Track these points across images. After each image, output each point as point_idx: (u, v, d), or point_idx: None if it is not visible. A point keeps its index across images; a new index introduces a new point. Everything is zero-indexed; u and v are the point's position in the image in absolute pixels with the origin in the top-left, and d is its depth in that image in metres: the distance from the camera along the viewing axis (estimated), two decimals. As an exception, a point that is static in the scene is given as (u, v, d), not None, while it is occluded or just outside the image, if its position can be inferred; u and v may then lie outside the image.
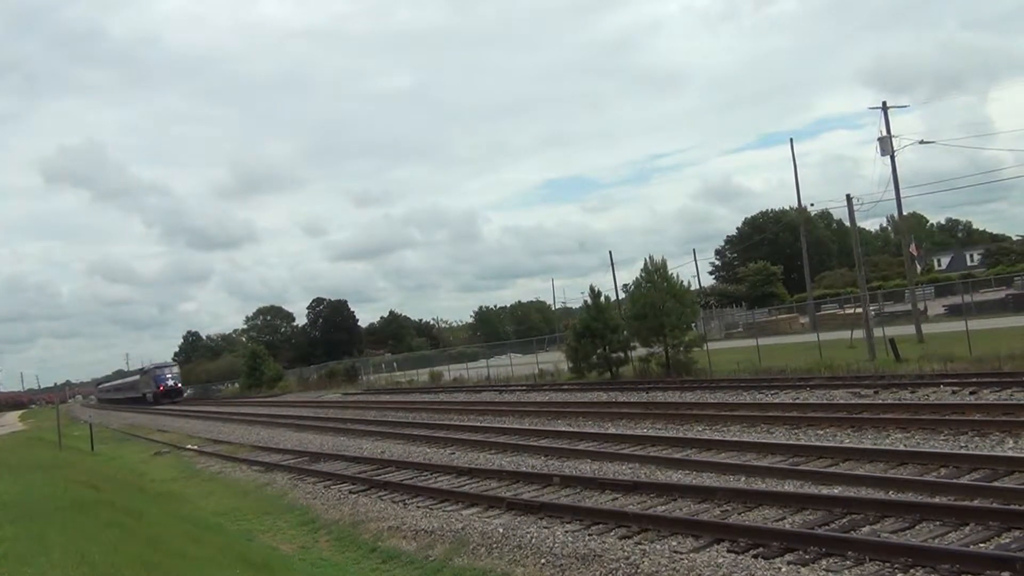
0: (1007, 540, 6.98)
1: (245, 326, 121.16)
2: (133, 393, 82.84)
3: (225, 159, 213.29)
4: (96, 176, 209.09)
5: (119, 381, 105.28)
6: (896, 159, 32.86)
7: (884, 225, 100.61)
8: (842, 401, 16.74)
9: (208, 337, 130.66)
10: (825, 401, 17.07)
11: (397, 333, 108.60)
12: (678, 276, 30.22)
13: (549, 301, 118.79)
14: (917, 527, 7.68)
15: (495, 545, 8.94)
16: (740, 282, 75.38)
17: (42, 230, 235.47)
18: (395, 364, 65.88)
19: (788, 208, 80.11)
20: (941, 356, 21.44)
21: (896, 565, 6.67)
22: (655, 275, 29.06)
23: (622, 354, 30.75)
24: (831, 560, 7.03)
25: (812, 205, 76.91)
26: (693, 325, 32.27)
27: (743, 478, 10.79)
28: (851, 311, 40.18)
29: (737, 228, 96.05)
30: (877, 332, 27.15)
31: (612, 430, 17.07)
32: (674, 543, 8.16)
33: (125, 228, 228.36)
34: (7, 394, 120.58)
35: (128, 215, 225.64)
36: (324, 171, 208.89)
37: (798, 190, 73.11)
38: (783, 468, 10.94)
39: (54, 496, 10.87)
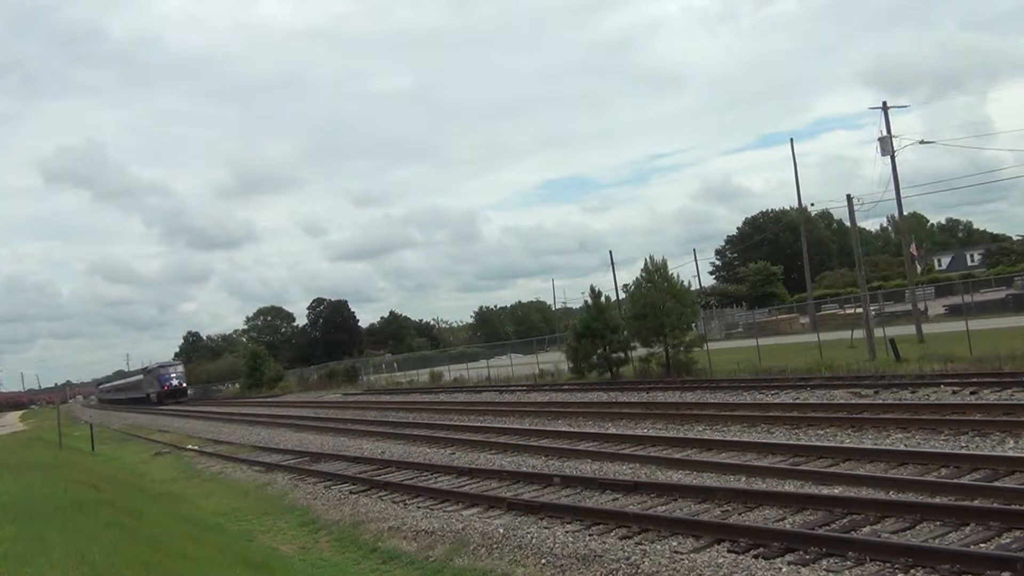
0: (1008, 540, 6.97)
1: (245, 326, 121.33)
2: (136, 393, 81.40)
3: (225, 159, 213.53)
4: (96, 176, 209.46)
5: (121, 381, 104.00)
6: (896, 159, 32.93)
7: (884, 225, 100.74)
8: (842, 401, 16.73)
9: (208, 337, 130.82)
10: (825, 401, 17.07)
11: (397, 333, 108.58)
12: (678, 276, 30.28)
13: (549, 301, 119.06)
14: (917, 527, 7.67)
15: (495, 545, 8.94)
16: (740, 282, 75.40)
17: (42, 230, 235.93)
18: (395, 364, 65.88)
19: (788, 208, 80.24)
20: (941, 356, 21.44)
21: (896, 565, 6.67)
22: (655, 275, 29.06)
23: (622, 354, 30.75)
24: (831, 560, 7.03)
25: (812, 205, 76.92)
26: (693, 325, 32.29)
27: (743, 478, 10.79)
28: (851, 311, 40.20)
29: (737, 228, 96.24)
30: (877, 332, 27.14)
31: (612, 430, 17.07)
32: (674, 543, 8.16)
33: (125, 228, 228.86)
34: (7, 394, 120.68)
35: (128, 215, 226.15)
36: (324, 171, 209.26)
37: (798, 190, 73.02)
38: (783, 468, 10.94)
39: (54, 496, 10.87)
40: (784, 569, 6.96)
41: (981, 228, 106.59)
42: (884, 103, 33.79)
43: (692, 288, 48.93)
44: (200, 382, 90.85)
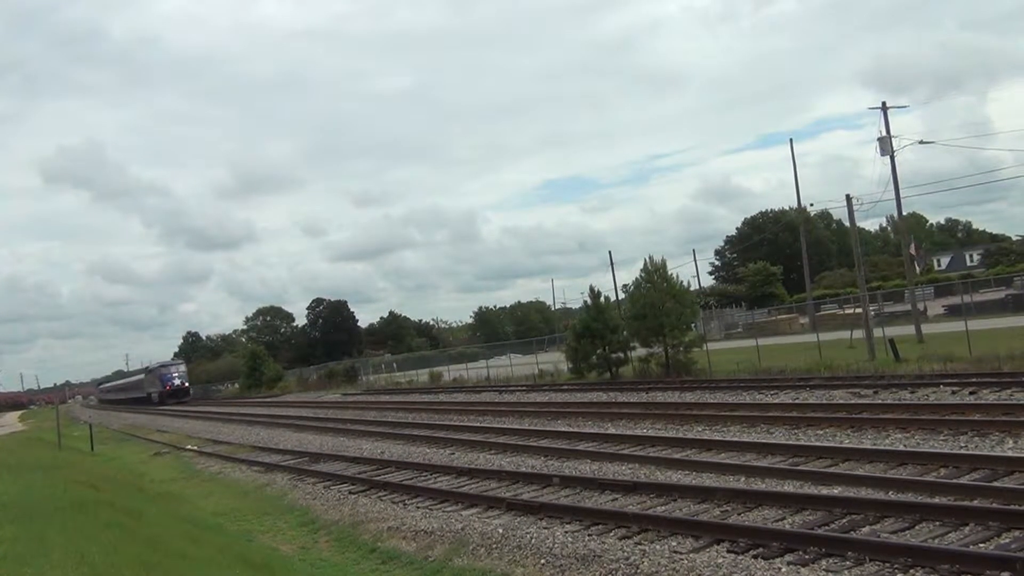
0: (1007, 540, 6.98)
1: (245, 326, 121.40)
2: (137, 393, 79.86)
3: (225, 159, 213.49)
4: (96, 176, 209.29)
5: (122, 381, 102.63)
6: (896, 159, 32.95)
7: (884, 225, 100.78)
8: (842, 401, 16.74)
9: (208, 337, 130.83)
10: (825, 401, 17.07)
11: (397, 333, 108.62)
12: (678, 276, 30.25)
13: (549, 301, 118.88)
14: (917, 527, 7.68)
15: (495, 545, 8.94)
16: (740, 282, 75.44)
17: (42, 230, 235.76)
18: (395, 364, 65.88)
19: (788, 208, 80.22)
20: (941, 356, 21.44)
21: (896, 565, 6.67)
22: (655, 275, 29.05)
23: (622, 354, 30.74)
24: (831, 560, 7.03)
25: (812, 205, 77.18)
26: (693, 325, 32.29)
27: (743, 478, 10.79)
28: (851, 311, 40.19)
29: (737, 228, 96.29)
30: (877, 332, 27.15)
31: (612, 430, 17.07)
32: (674, 543, 8.16)
33: (125, 228, 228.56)
34: (7, 395, 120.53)
35: (128, 215, 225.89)
36: (324, 171, 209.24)
37: (798, 190, 73.13)
38: (783, 468, 10.94)
39: (54, 496, 10.87)
40: (783, 569, 6.96)
41: (980, 228, 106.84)
42: (884, 103, 33.87)
43: (691, 288, 48.96)
44: (200, 382, 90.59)
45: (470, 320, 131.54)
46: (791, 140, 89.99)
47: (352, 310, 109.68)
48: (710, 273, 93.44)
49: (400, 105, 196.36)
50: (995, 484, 8.78)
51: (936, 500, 8.35)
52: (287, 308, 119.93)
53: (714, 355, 28.72)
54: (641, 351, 30.37)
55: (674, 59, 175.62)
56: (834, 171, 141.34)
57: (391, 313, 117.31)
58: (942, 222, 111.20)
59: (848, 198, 29.79)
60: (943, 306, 43.56)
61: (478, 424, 21.45)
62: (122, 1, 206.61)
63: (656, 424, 17.19)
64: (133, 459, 25.59)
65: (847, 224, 35.74)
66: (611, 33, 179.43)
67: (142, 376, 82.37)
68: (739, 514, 9.04)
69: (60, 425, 31.42)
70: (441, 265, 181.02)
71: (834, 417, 14.53)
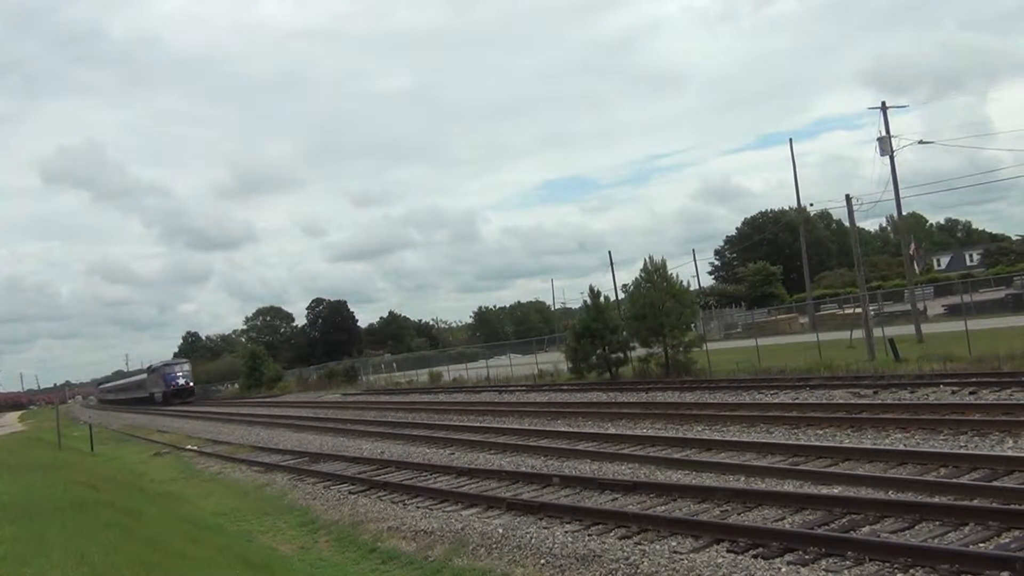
0: (1007, 540, 6.98)
1: (244, 327, 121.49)
2: (140, 393, 78.64)
3: (225, 159, 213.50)
4: (96, 176, 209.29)
5: (124, 380, 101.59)
6: (895, 159, 32.95)
7: (883, 225, 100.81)
8: (841, 401, 16.73)
9: (207, 338, 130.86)
10: (824, 401, 17.07)
11: (397, 333, 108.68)
12: (677, 276, 30.23)
13: (548, 301, 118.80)
14: (917, 527, 7.68)
15: (495, 545, 8.94)
16: (739, 282, 75.47)
17: (42, 230, 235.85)
18: (394, 365, 65.88)
19: (787, 208, 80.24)
20: (940, 356, 21.44)
21: (896, 565, 6.67)
22: (654, 275, 29.04)
23: (621, 354, 30.73)
24: (831, 560, 7.03)
25: (811, 205, 77.20)
26: (692, 325, 32.27)
27: (743, 478, 10.79)
28: (850, 311, 40.19)
29: (736, 228, 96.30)
30: (876, 332, 27.14)
31: (612, 430, 17.07)
32: (674, 543, 8.16)
33: (124, 228, 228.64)
34: (6, 395, 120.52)
35: (127, 215, 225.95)
36: (324, 171, 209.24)
37: (797, 190, 73.24)
38: (783, 468, 10.94)
39: (54, 496, 10.87)
40: (783, 569, 6.96)
41: (980, 228, 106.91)
42: (883, 103, 33.85)
43: (691, 288, 48.95)
44: (199, 382, 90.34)
45: (470, 320, 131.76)
46: (791, 140, 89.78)
47: (352, 310, 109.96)
48: (710, 273, 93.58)
49: (400, 105, 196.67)
50: (995, 484, 8.79)
51: (936, 500, 8.35)
52: (287, 308, 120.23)
53: (714, 355, 28.72)
54: (641, 351, 30.37)
55: (674, 59, 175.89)
56: (834, 171, 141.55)
57: (391, 313, 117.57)
58: (942, 222, 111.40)
59: (848, 198, 29.83)
60: (943, 306, 43.55)
61: (478, 424, 21.45)
62: (122, 1, 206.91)
63: (656, 424, 17.19)
64: (133, 459, 25.59)
65: (847, 224, 35.75)
66: (611, 33, 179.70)
67: (145, 376, 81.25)
68: (739, 514, 9.04)
69: (60, 425, 31.41)
70: (441, 265, 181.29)
71: (834, 417, 14.53)
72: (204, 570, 7.89)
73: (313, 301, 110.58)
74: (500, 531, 9.35)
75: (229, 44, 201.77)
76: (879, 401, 16.18)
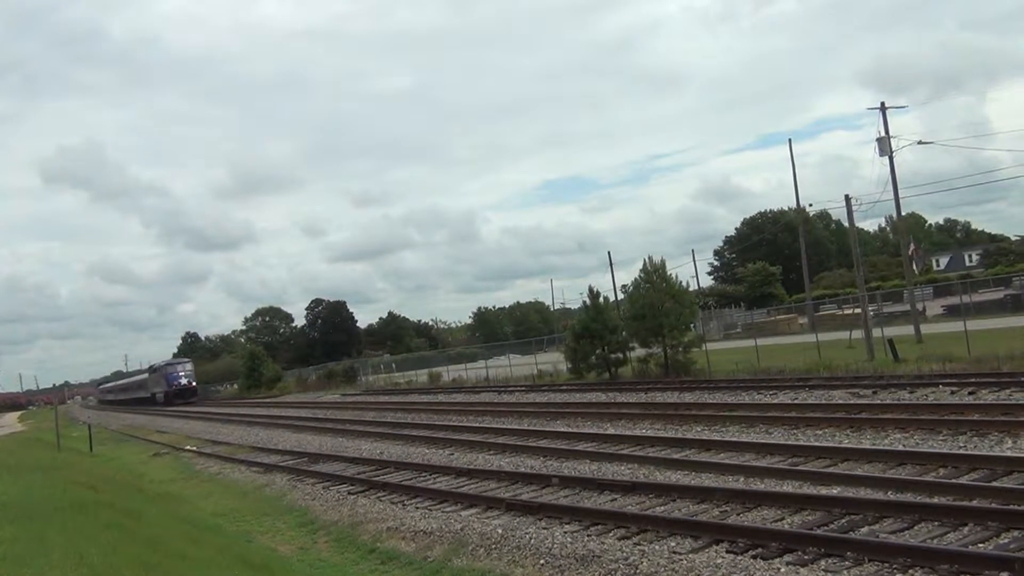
0: (1006, 540, 6.98)
1: (244, 327, 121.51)
2: (141, 393, 77.63)
3: (225, 159, 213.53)
4: (95, 176, 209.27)
5: (125, 380, 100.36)
6: (895, 159, 33.00)
7: (883, 225, 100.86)
8: (841, 401, 16.73)
9: (207, 338, 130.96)
10: (824, 401, 17.07)
11: (396, 334, 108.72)
12: (677, 276, 30.22)
13: (548, 302, 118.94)
14: (916, 527, 7.68)
15: (494, 546, 8.94)
16: (739, 282, 75.53)
17: (41, 230, 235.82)
18: (394, 365, 65.89)
19: (787, 208, 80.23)
20: (940, 356, 21.45)
21: (895, 565, 6.67)
22: (654, 276, 29.04)
23: (621, 355, 30.74)
24: (830, 560, 7.03)
25: (811, 205, 77.51)
26: (692, 326, 32.29)
27: (742, 478, 10.79)
28: (850, 311, 40.22)
29: (736, 228, 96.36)
30: (876, 332, 27.15)
31: (611, 431, 17.07)
32: (673, 544, 8.16)
33: (124, 229, 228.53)
34: (6, 395, 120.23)
35: (127, 216, 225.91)
36: (324, 171, 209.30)
37: (797, 191, 73.71)
38: (782, 468, 10.94)
39: (53, 497, 10.87)
40: (783, 569, 6.96)
41: (979, 228, 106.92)
42: (882, 104, 33.89)
43: (691, 289, 48.99)
44: (199, 383, 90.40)
45: (469, 320, 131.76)
46: (790, 140, 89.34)
47: (351, 310, 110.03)
48: (709, 273, 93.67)
49: (400, 105, 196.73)
50: (994, 484, 8.79)
51: (935, 500, 8.35)
52: (286, 309, 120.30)
53: (713, 355, 28.73)
54: (640, 351, 30.37)
55: (674, 59, 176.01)
56: (833, 171, 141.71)
57: (390, 313, 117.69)
58: (941, 222, 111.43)
59: (847, 198, 29.83)
60: (942, 306, 43.58)
61: (477, 424, 21.45)
62: (122, 1, 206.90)
63: (655, 424, 17.20)
64: (132, 460, 25.58)
65: (846, 224, 35.76)
66: (611, 33, 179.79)
67: (146, 375, 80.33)
68: (738, 514, 9.04)
69: (59, 426, 31.38)
70: (440, 265, 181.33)
71: (833, 417, 14.53)
72: (203, 570, 7.89)
73: (312, 301, 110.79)
74: (499, 531, 9.35)
75: (229, 44, 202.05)
76: (878, 401, 16.18)
